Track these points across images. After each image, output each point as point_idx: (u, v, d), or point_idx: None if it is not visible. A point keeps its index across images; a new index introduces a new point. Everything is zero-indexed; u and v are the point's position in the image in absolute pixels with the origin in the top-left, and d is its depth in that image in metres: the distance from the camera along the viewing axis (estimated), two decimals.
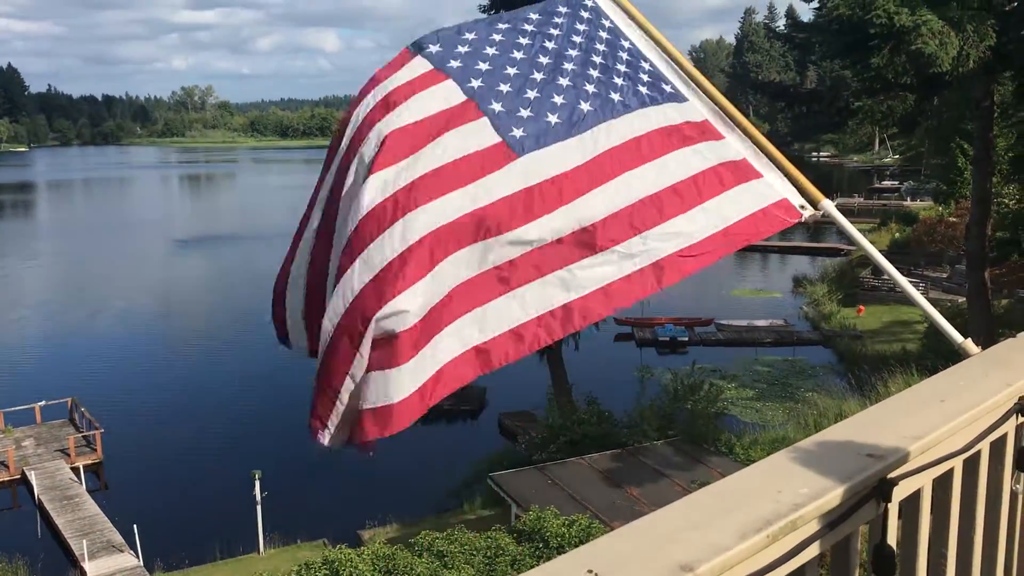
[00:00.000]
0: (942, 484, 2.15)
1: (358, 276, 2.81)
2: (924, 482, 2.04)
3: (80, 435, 33.29)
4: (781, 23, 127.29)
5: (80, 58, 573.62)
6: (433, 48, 3.21)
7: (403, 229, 2.83)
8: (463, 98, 3.08)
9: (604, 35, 3.39)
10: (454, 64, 3.17)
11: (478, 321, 2.88)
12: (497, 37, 3.30)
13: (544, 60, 3.25)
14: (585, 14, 3.45)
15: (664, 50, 3.44)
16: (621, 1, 3.51)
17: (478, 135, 3.01)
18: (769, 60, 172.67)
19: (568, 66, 3.26)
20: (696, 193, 3.14)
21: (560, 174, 3.02)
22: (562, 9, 3.45)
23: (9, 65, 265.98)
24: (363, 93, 3.17)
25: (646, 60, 3.38)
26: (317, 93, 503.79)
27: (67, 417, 35.25)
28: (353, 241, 2.87)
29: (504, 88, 3.14)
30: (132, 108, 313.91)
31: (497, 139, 3.01)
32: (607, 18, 3.47)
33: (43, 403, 34.76)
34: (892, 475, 1.85)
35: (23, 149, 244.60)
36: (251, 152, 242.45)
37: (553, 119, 3.09)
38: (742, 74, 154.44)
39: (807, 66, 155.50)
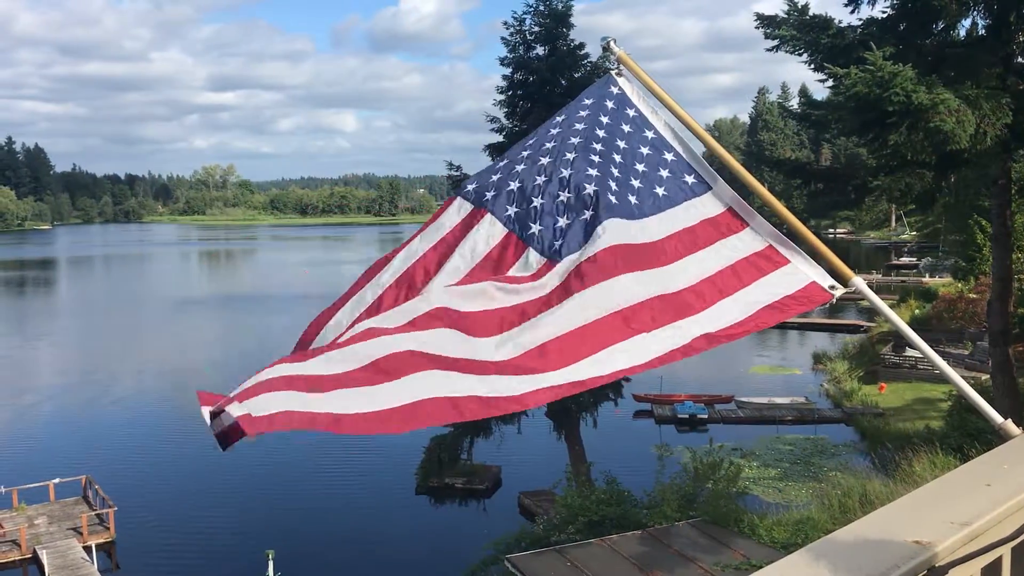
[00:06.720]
0: (991, 573, 2.06)
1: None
2: (973, 571, 1.96)
3: (93, 513, 33.02)
4: (794, 102, 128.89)
5: (104, 138, 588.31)
6: (470, 187, 3.55)
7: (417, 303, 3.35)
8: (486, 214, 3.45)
9: (627, 128, 3.44)
10: (488, 196, 3.47)
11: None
12: (524, 154, 3.53)
13: (566, 172, 3.41)
14: (610, 104, 3.51)
15: (689, 128, 3.45)
16: (647, 82, 3.53)
17: (494, 236, 3.37)
18: (783, 138, 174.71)
19: (594, 157, 3.42)
20: (717, 291, 3.18)
21: (579, 264, 3.22)
22: (587, 102, 3.54)
23: (36, 145, 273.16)
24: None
25: (669, 150, 3.41)
26: (336, 172, 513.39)
27: (81, 495, 35.01)
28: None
29: (527, 207, 3.40)
30: (154, 186, 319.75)
31: (514, 238, 3.34)
32: (632, 107, 3.50)
33: (57, 480, 34.52)
34: (941, 563, 1.78)
35: (46, 227, 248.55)
36: (271, 230, 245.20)
37: (565, 220, 3.36)
38: (757, 152, 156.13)
39: (821, 144, 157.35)
